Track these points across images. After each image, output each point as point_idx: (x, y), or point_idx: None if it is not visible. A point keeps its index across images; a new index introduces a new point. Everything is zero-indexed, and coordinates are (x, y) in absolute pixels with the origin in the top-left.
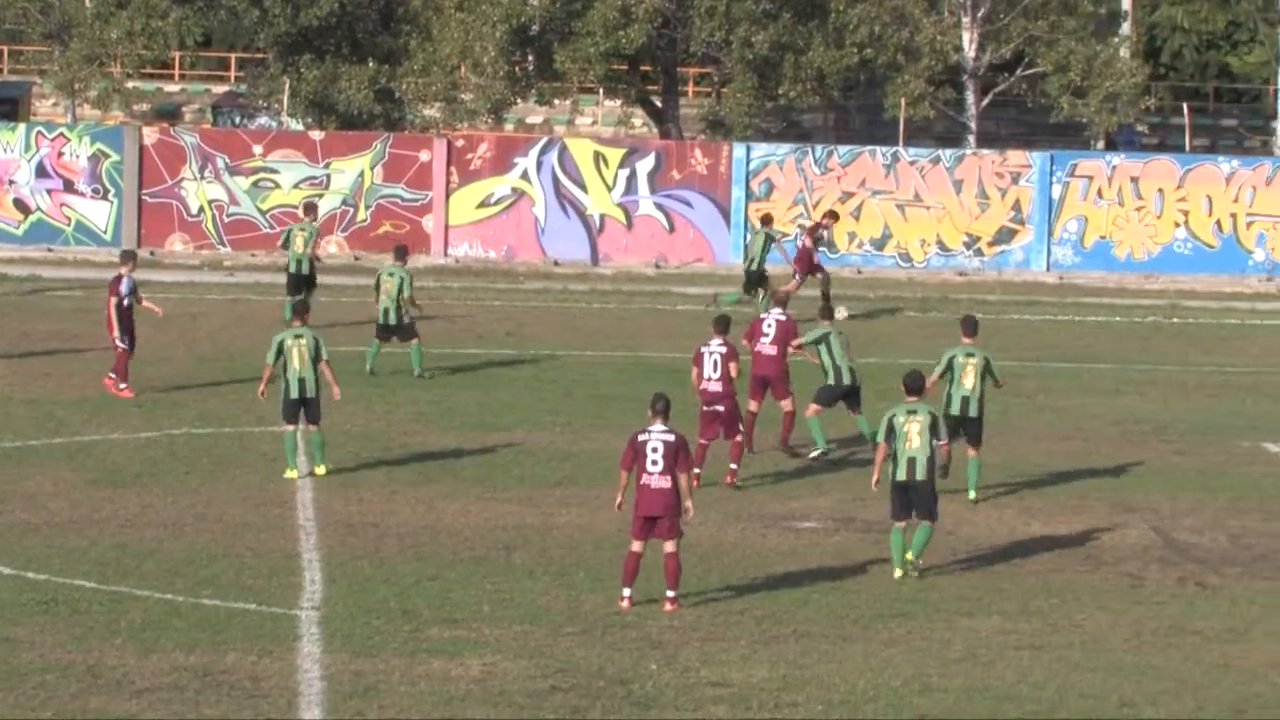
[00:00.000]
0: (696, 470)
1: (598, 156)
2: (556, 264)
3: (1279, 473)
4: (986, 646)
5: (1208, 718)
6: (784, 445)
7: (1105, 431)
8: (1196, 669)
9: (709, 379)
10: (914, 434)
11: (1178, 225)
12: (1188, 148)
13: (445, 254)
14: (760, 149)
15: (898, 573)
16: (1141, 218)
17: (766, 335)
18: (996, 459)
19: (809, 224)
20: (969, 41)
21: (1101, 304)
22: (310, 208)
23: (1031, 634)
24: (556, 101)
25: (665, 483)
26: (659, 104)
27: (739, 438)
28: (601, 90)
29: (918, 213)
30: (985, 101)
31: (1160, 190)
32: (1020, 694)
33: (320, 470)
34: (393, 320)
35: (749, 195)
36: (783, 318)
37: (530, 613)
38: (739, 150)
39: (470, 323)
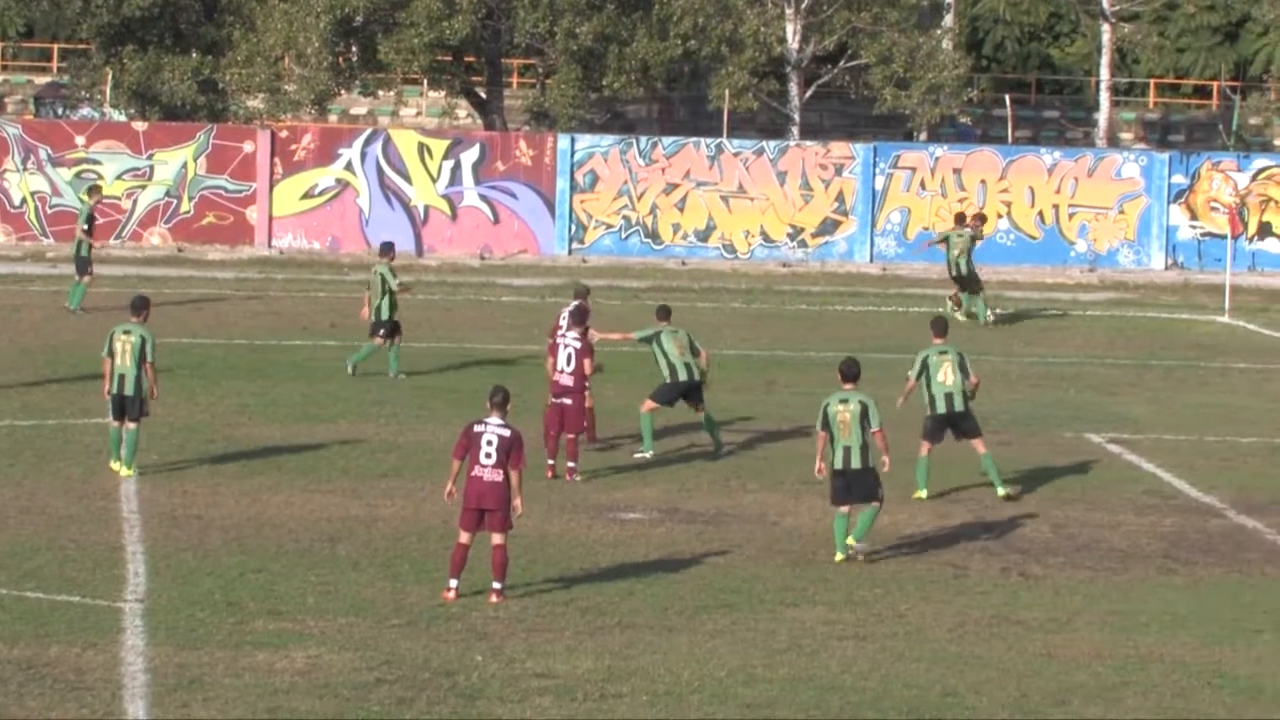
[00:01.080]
0: (550, 461)
1: (422, 148)
2: None
3: (1101, 463)
4: (811, 637)
5: (1031, 707)
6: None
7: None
8: (1019, 658)
9: (561, 371)
10: (847, 423)
11: (1000, 216)
12: (1010, 139)
13: (269, 245)
14: (584, 140)
15: (839, 556)
16: (964, 209)
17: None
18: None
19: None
20: (792, 33)
21: (925, 295)
22: (94, 189)
23: (855, 624)
24: (381, 93)
25: (497, 476)
26: (483, 95)
27: (579, 435)
28: (425, 81)
29: (742, 204)
30: (809, 93)
31: (983, 182)
32: (844, 684)
33: (125, 471)
34: (384, 316)
35: (573, 187)
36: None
37: (355, 605)
38: (563, 141)
39: (294, 314)
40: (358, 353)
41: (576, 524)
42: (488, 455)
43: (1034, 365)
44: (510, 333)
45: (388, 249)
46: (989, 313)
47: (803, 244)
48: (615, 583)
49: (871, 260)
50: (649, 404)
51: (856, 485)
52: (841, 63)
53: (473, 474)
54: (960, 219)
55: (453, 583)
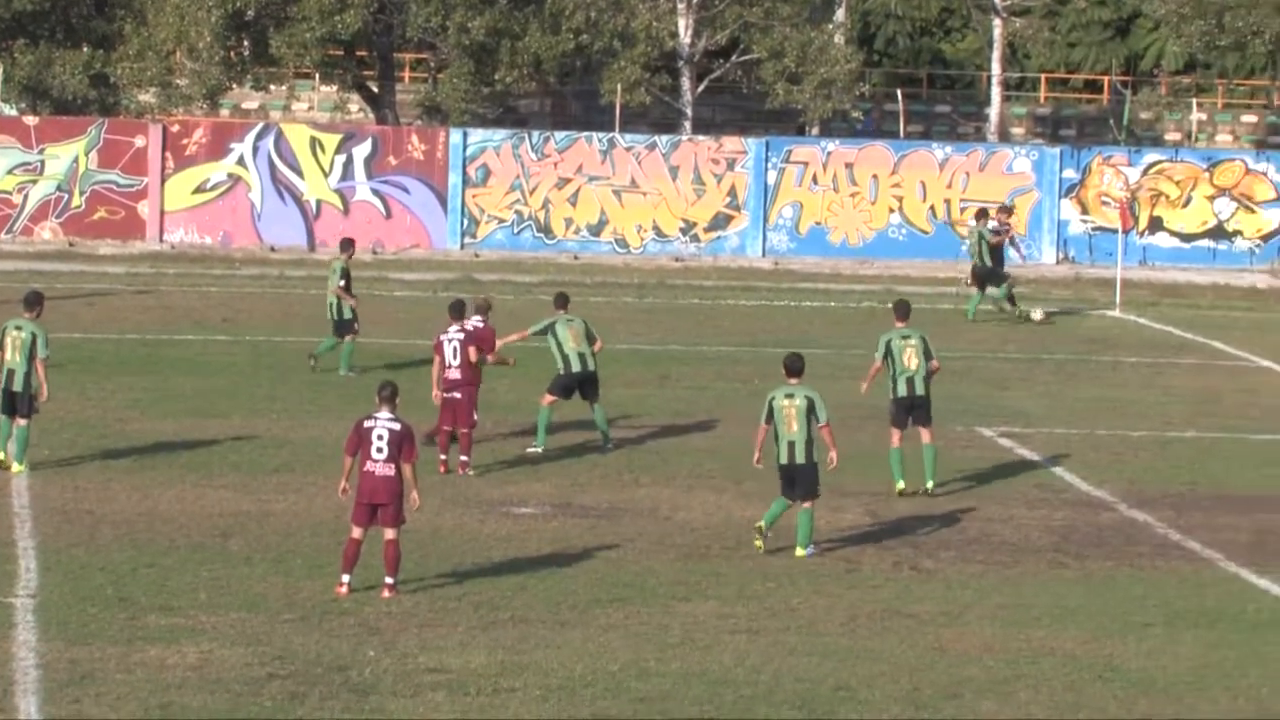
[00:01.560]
0: (443, 456)
1: (314, 142)
2: (273, 250)
3: (992, 456)
4: (703, 631)
5: (923, 701)
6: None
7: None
8: (911, 652)
9: (449, 366)
10: (792, 417)
11: (892, 211)
12: (902, 134)
13: (161, 240)
14: (477, 134)
15: (759, 545)
16: (856, 203)
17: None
18: (712, 443)
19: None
20: (684, 28)
21: (817, 289)
22: None
23: (748, 618)
24: (273, 87)
25: (389, 470)
26: (375, 89)
27: (471, 429)
28: (318, 76)
29: (634, 198)
30: (701, 88)
31: (875, 176)
32: (737, 678)
33: (16, 468)
34: (347, 315)
35: (465, 181)
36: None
37: (247, 600)
38: (455, 136)
39: (186, 309)
40: (342, 356)
41: (469, 519)
42: (379, 450)
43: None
44: (402, 327)
45: (348, 245)
46: (976, 309)
47: (695, 238)
48: (508, 577)
49: (764, 255)
50: (548, 397)
51: (800, 480)
52: (734, 57)
53: (365, 469)
54: (980, 215)
55: (345, 578)
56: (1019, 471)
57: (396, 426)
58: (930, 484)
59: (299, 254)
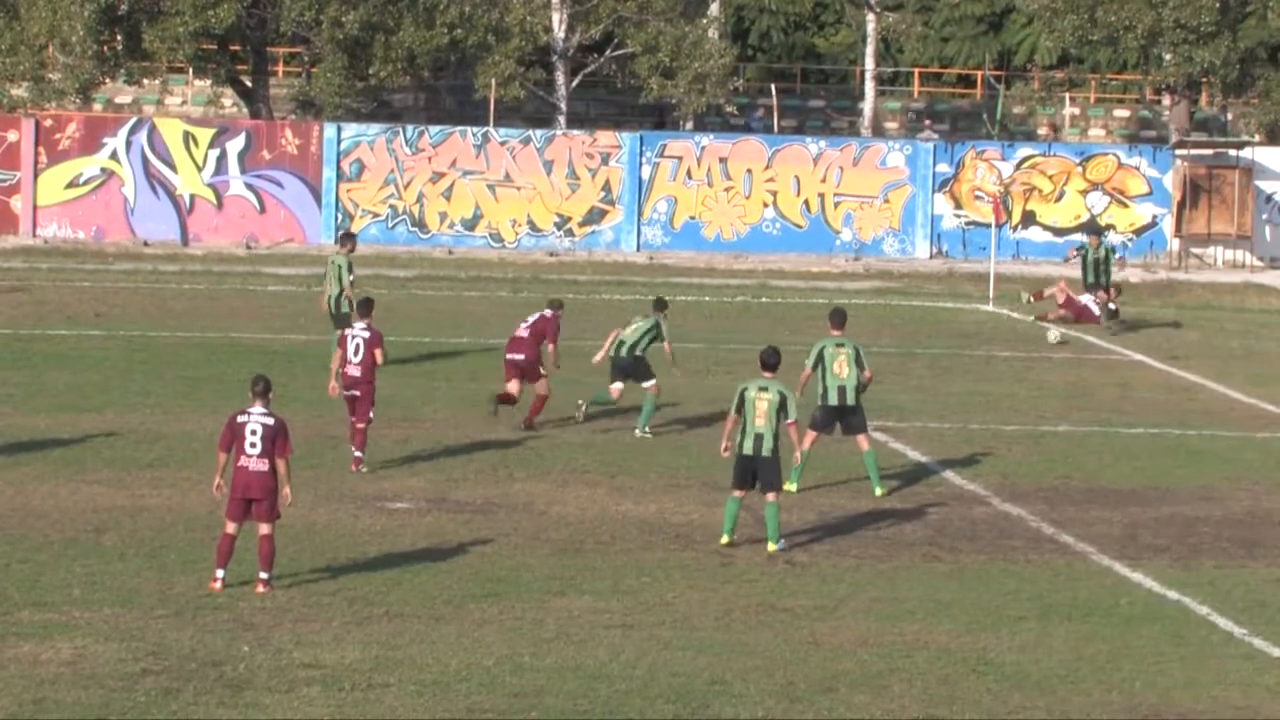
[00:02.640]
0: (359, 454)
1: (187, 136)
2: (146, 244)
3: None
4: (578, 625)
5: (798, 694)
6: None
7: (697, 411)
8: (786, 646)
9: (350, 362)
10: (763, 411)
11: (766, 205)
12: (776, 128)
13: (34, 234)
14: (351, 129)
15: (725, 539)
16: (730, 198)
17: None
18: (586, 438)
19: None
20: (559, 22)
21: (691, 284)
22: None
23: (623, 613)
24: (146, 81)
25: (263, 466)
26: (249, 84)
27: (367, 424)
28: (191, 70)
29: (508, 193)
30: (575, 82)
31: (749, 171)
32: (612, 672)
33: None
34: (345, 309)
35: (339, 175)
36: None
37: (121, 595)
38: (330, 130)
39: (59, 304)
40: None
41: (344, 513)
42: (253, 445)
43: (801, 354)
44: (276, 322)
45: (347, 239)
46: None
47: (569, 233)
48: (382, 572)
49: (638, 249)
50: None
51: (763, 472)
52: (608, 52)
53: (239, 464)
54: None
55: (219, 573)
56: (892, 465)
57: (270, 421)
58: (879, 490)
59: (172, 249)
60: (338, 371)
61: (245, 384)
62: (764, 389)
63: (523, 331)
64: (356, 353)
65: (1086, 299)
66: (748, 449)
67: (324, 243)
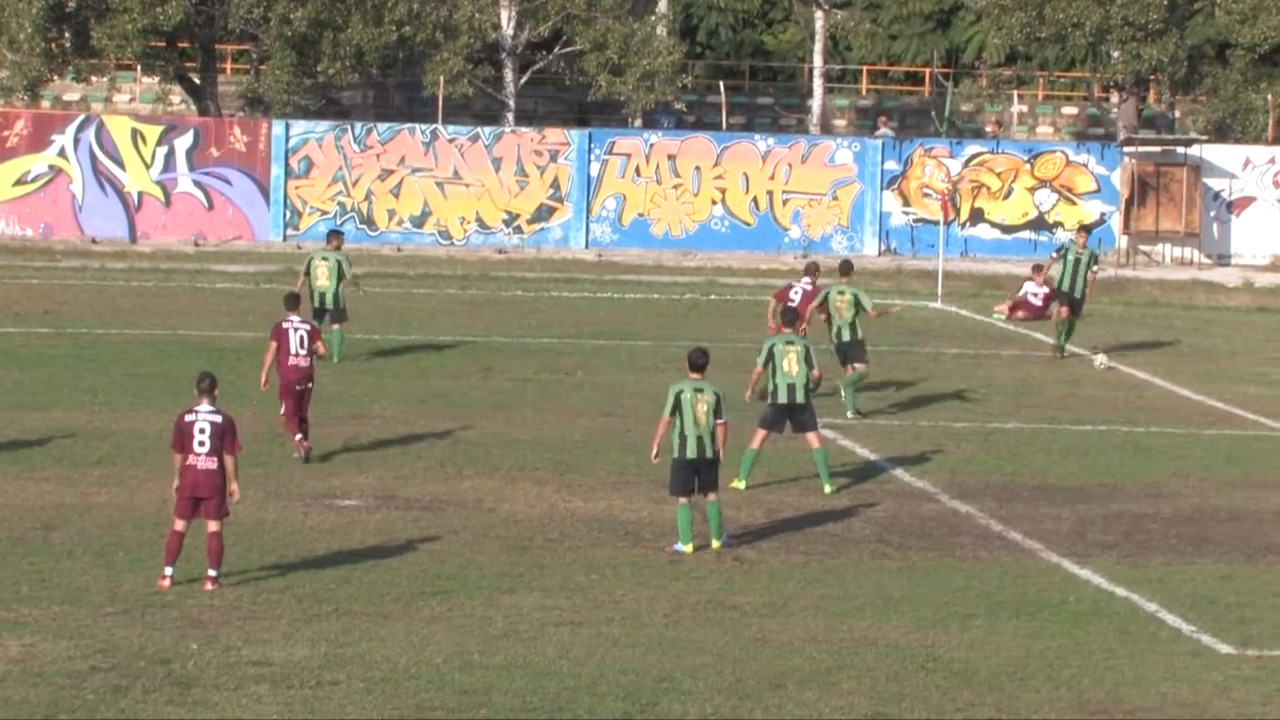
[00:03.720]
0: (305, 443)
1: (136, 134)
2: (94, 242)
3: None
4: (527, 623)
5: (746, 691)
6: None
7: (645, 408)
8: (735, 643)
9: (299, 355)
10: (703, 412)
11: (715, 203)
12: (724, 126)
13: None
14: (299, 126)
15: (688, 548)
16: (679, 195)
17: (792, 302)
18: (535, 435)
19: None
20: (507, 19)
21: (640, 281)
22: None
23: (572, 610)
24: (94, 79)
25: (211, 464)
26: (197, 81)
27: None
28: (139, 67)
29: (457, 190)
30: (524, 79)
31: (698, 168)
32: (560, 669)
33: None
34: (329, 304)
35: (288, 173)
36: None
37: (69, 593)
38: (278, 127)
39: (7, 301)
40: (334, 344)
41: (293, 511)
42: (201, 443)
43: (748, 350)
44: (224, 319)
45: (336, 236)
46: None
47: (518, 230)
48: (331, 570)
49: (587, 246)
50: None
51: (705, 473)
52: (556, 49)
53: (187, 463)
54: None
55: (168, 570)
56: (841, 462)
57: (218, 419)
58: (828, 487)
59: (120, 246)
60: (275, 364)
61: (192, 382)
62: (700, 390)
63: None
64: (303, 345)
65: (1026, 288)
66: (690, 453)
67: (272, 240)
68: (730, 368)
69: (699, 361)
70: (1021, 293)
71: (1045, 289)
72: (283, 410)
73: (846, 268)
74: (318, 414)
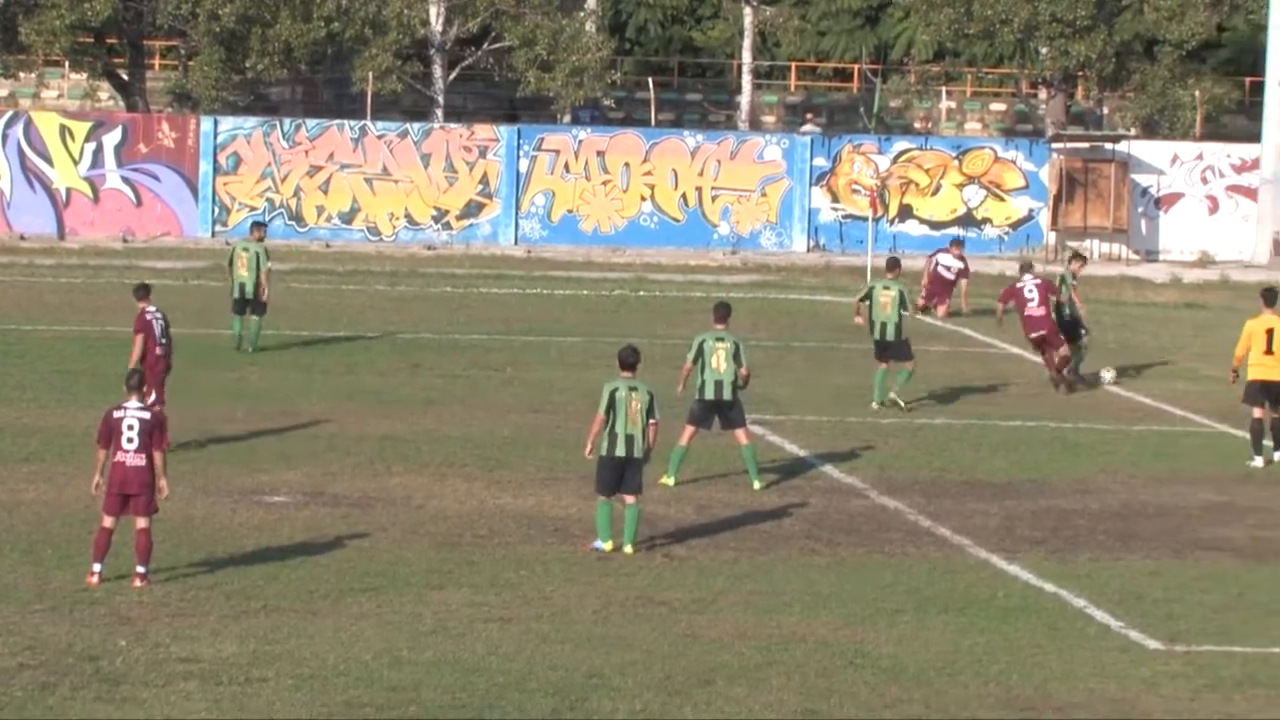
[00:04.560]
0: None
1: (64, 130)
2: (22, 238)
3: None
4: (456, 619)
5: (676, 687)
6: (1073, 376)
7: (574, 405)
8: (664, 639)
9: (161, 344)
10: (636, 411)
11: (644, 199)
12: (653, 122)
13: None
14: (228, 122)
15: (608, 546)
16: (608, 191)
17: (1032, 299)
18: (464, 431)
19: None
20: (436, 15)
21: (569, 277)
22: None
23: (501, 606)
24: (22, 74)
25: (140, 460)
26: (126, 77)
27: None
28: (67, 63)
29: (386, 186)
30: (453, 76)
31: (626, 164)
32: (490, 666)
33: None
34: (249, 294)
35: (216, 169)
36: (1039, 281)
37: None
38: (206, 123)
39: None
40: (251, 335)
41: (221, 507)
42: (130, 440)
43: (678, 347)
44: None
45: (259, 227)
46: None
47: (447, 226)
48: (260, 566)
49: (516, 243)
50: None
51: (631, 473)
52: (485, 45)
53: (115, 459)
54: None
55: (96, 567)
56: (770, 458)
57: (146, 415)
58: (757, 483)
59: (48, 242)
60: (143, 355)
61: (121, 378)
62: (634, 389)
63: (1037, 310)
64: (164, 334)
65: (939, 259)
66: (620, 451)
67: (201, 236)
68: (660, 364)
69: (630, 360)
70: (933, 266)
71: (960, 263)
72: (151, 400)
73: (893, 264)
74: (245, 411)
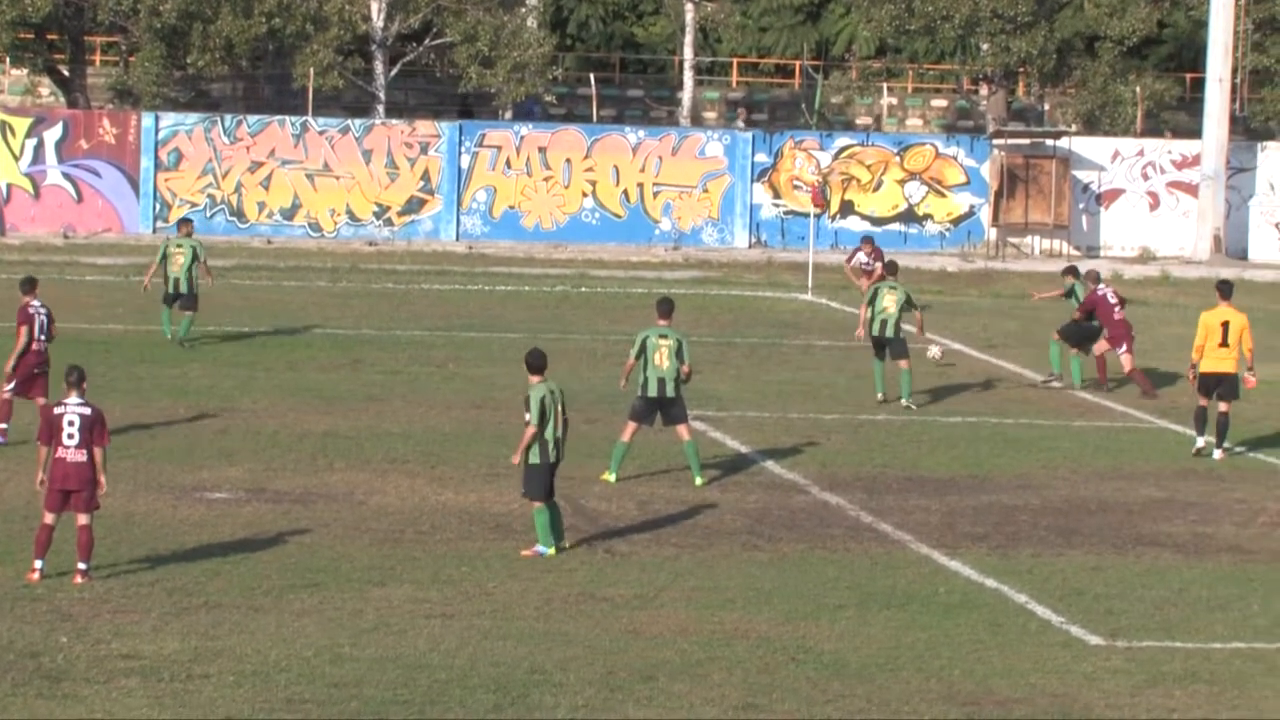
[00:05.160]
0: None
1: (4, 126)
2: None
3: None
4: (398, 615)
5: (618, 683)
6: (1145, 387)
7: (516, 401)
8: (606, 635)
9: (39, 340)
10: (559, 414)
11: (585, 195)
12: (595, 118)
13: None
14: (169, 118)
15: (551, 550)
16: (550, 187)
17: (1115, 305)
18: (406, 428)
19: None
20: (377, 11)
21: (511, 274)
22: None
23: (443, 602)
24: None
25: (81, 456)
26: (66, 73)
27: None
28: (8, 59)
29: (327, 182)
30: (394, 71)
31: (568, 160)
32: (432, 662)
33: None
34: (183, 289)
35: (157, 165)
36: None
37: None
38: (147, 120)
39: None
40: (181, 329)
41: (162, 504)
42: (70, 436)
43: (619, 343)
44: (94, 312)
45: (186, 223)
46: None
47: (389, 222)
48: (201, 563)
49: (458, 239)
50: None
51: (551, 477)
52: (427, 41)
53: (57, 456)
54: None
55: (37, 564)
56: (712, 454)
57: (87, 411)
58: (699, 479)
59: None
60: (26, 350)
61: (61, 375)
62: (553, 392)
63: (1120, 313)
64: (43, 330)
65: (857, 259)
66: (551, 456)
67: (142, 232)
68: (602, 360)
69: (538, 363)
70: (854, 263)
71: (877, 261)
72: (8, 390)
73: (893, 268)
74: (187, 407)
